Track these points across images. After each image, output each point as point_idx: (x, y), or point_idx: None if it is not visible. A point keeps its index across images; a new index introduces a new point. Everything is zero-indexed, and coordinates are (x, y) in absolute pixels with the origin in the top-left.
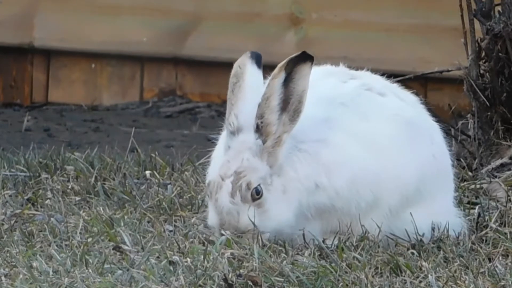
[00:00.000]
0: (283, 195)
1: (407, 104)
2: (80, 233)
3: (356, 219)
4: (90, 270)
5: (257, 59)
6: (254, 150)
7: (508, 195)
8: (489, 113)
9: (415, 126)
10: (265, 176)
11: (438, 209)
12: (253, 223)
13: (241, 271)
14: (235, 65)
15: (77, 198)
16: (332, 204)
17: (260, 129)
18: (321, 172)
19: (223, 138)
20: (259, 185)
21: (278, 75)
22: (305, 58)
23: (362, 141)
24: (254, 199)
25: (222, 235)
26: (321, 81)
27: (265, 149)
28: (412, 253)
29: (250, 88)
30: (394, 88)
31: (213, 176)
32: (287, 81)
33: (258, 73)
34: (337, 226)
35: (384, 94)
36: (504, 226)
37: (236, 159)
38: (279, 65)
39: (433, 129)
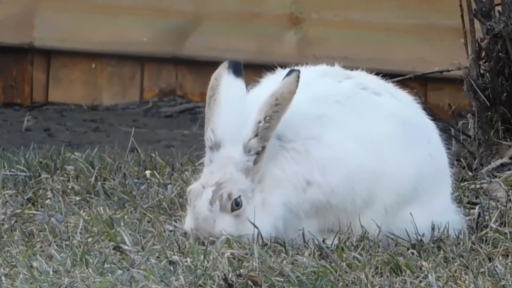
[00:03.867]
0: (262, 207)
1: (403, 104)
2: (80, 233)
3: (353, 216)
4: (90, 270)
5: (235, 68)
6: (239, 166)
7: (508, 195)
8: (489, 113)
9: (411, 126)
10: (247, 190)
11: (436, 207)
12: (254, 224)
13: (241, 271)
14: (212, 77)
15: (77, 198)
16: (328, 201)
17: (248, 148)
18: (313, 169)
19: None
20: (239, 196)
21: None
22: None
23: (357, 138)
24: (233, 210)
25: (198, 239)
26: (316, 81)
27: (254, 168)
28: (412, 253)
29: (225, 100)
30: (389, 88)
31: (195, 185)
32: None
33: (236, 82)
34: (335, 224)
35: (379, 94)
36: (504, 226)
37: (220, 171)
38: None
39: (429, 128)
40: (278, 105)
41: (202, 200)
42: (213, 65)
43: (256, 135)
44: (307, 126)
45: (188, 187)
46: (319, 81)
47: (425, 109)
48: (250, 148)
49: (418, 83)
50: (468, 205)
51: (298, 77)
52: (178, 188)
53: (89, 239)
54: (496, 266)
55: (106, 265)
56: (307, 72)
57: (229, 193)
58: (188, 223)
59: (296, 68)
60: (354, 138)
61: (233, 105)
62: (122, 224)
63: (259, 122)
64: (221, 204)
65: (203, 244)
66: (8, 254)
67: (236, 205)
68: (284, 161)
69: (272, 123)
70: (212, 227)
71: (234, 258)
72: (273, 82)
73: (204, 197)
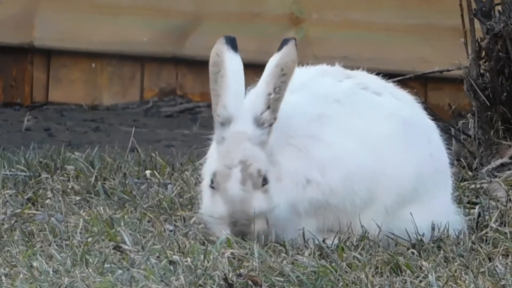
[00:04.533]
0: (277, 183)
1: (403, 104)
2: (80, 232)
3: (352, 216)
4: (90, 270)
5: (232, 43)
6: (254, 140)
7: (508, 195)
8: (489, 113)
9: (412, 126)
10: (266, 163)
11: (436, 207)
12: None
13: (241, 270)
14: (213, 53)
15: (77, 198)
16: (327, 201)
17: (261, 121)
18: (312, 168)
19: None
20: (266, 171)
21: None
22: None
23: (357, 138)
24: (263, 185)
25: (235, 222)
26: (317, 80)
27: (265, 140)
28: (412, 253)
29: (232, 75)
30: (390, 88)
31: (218, 168)
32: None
33: (236, 57)
34: (334, 224)
35: (380, 93)
36: (504, 225)
37: (237, 149)
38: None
39: (430, 128)
40: (285, 75)
41: (233, 182)
42: None
43: (268, 107)
44: (307, 124)
45: (205, 173)
46: (319, 81)
47: (425, 109)
48: (263, 121)
49: (418, 83)
50: (468, 205)
51: (296, 45)
52: (178, 188)
53: (89, 239)
54: (496, 266)
55: (106, 265)
56: (307, 72)
57: (258, 170)
58: (221, 209)
59: (289, 38)
60: (354, 138)
61: (239, 80)
62: (122, 224)
63: (269, 94)
64: (253, 182)
65: (203, 243)
66: (8, 254)
67: (264, 180)
68: (287, 155)
69: (281, 93)
70: (249, 207)
71: (234, 258)
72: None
73: (234, 178)
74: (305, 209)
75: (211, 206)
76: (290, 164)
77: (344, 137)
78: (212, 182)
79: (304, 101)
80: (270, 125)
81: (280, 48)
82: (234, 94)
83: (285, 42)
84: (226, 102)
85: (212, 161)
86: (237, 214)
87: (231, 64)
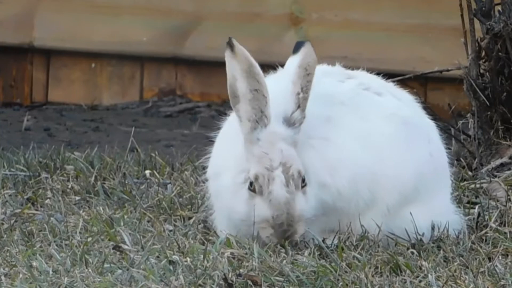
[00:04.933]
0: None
1: (404, 103)
2: (80, 232)
3: (355, 218)
4: (90, 270)
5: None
6: (289, 141)
7: (508, 195)
8: (489, 113)
9: (412, 125)
10: (301, 165)
11: (436, 207)
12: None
13: (241, 270)
14: (242, 55)
15: (77, 198)
16: (334, 204)
17: (293, 121)
18: (325, 170)
19: (228, 133)
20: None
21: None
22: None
23: (361, 140)
24: (302, 187)
25: (281, 224)
26: (318, 81)
27: (297, 139)
28: (412, 253)
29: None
30: (390, 88)
31: (259, 170)
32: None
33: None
34: (335, 225)
35: (381, 94)
36: (504, 225)
37: (274, 150)
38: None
39: (430, 127)
40: (310, 74)
41: (278, 184)
42: (213, 65)
43: (299, 106)
44: (320, 126)
45: (250, 173)
46: (322, 81)
47: (425, 109)
48: (294, 121)
49: (418, 83)
50: (468, 205)
51: (312, 46)
52: (178, 187)
53: (89, 239)
54: (496, 265)
55: (105, 265)
56: None
57: (299, 171)
58: (265, 213)
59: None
60: (358, 141)
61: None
62: (122, 223)
63: (298, 93)
64: (295, 183)
65: (203, 243)
66: (8, 254)
67: (303, 181)
68: (308, 157)
69: (308, 93)
70: (294, 209)
71: (234, 258)
72: (274, 81)
73: (278, 180)
74: (315, 212)
75: (250, 209)
76: (310, 165)
77: (350, 139)
78: (251, 185)
79: (310, 102)
80: (300, 124)
81: (295, 51)
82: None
83: (300, 44)
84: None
85: (225, 161)
86: (282, 217)
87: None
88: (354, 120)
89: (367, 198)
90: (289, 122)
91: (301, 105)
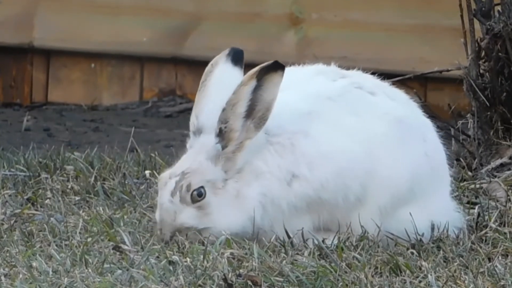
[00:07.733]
0: (235, 199)
1: (398, 103)
2: (79, 233)
3: (347, 213)
4: (89, 270)
5: (234, 56)
6: (210, 153)
7: (508, 195)
8: (488, 113)
9: (406, 125)
10: (215, 180)
11: (435, 207)
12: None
13: (241, 271)
14: (210, 63)
15: (77, 198)
16: (319, 196)
17: (222, 134)
18: (299, 163)
19: None
20: (202, 187)
21: (248, 83)
22: (276, 67)
23: (349, 134)
24: (194, 201)
25: (161, 229)
26: (311, 79)
27: (223, 154)
28: (412, 253)
29: (216, 88)
30: (385, 87)
31: (164, 173)
32: (256, 89)
33: (233, 70)
34: (332, 222)
35: (374, 93)
36: (504, 226)
37: (189, 159)
38: (250, 73)
39: (425, 126)
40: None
41: (165, 191)
42: None
43: (225, 121)
44: (294, 121)
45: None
46: (313, 80)
47: (424, 108)
48: (219, 130)
49: (418, 83)
50: (468, 205)
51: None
52: None
53: (89, 239)
54: (496, 266)
55: (105, 265)
56: (302, 71)
57: (187, 185)
58: (156, 214)
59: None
60: (345, 134)
61: (222, 93)
62: (122, 224)
63: (234, 105)
64: (180, 195)
65: (203, 243)
66: (7, 254)
67: (199, 196)
68: (267, 154)
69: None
70: (173, 219)
71: (233, 258)
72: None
73: (167, 188)
74: (294, 205)
75: None
76: (272, 162)
77: (334, 133)
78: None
79: (293, 99)
80: (236, 138)
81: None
82: (209, 107)
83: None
84: (198, 113)
85: None
86: (162, 223)
87: (219, 77)
88: (343, 115)
89: (358, 193)
90: (221, 135)
91: (236, 118)
